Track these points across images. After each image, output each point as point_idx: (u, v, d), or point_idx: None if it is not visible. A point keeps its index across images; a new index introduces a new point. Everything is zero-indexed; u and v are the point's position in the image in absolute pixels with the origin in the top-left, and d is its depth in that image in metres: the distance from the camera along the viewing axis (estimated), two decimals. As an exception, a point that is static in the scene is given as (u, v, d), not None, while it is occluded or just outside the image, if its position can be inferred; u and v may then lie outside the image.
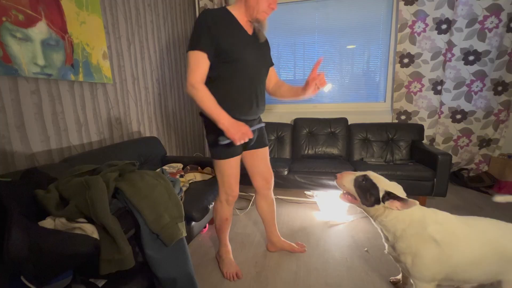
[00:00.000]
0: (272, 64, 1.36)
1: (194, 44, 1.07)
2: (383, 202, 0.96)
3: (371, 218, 1.06)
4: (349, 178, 1.07)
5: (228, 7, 1.17)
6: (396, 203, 0.94)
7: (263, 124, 1.23)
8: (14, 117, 1.19)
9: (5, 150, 1.16)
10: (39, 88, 1.29)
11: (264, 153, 1.42)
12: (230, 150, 1.23)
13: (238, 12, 1.16)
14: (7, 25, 1.12)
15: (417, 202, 0.92)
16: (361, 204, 1.04)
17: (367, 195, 1.00)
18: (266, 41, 1.31)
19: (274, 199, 1.54)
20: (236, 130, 1.06)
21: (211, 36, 1.06)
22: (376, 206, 0.98)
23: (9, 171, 1.16)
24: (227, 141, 1.09)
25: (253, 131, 1.16)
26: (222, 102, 1.15)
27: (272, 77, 1.38)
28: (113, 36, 1.79)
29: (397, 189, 0.99)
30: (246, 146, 1.34)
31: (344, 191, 1.10)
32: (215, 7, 2.75)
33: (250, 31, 1.20)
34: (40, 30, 1.26)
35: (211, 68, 1.13)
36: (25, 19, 1.19)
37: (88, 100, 1.59)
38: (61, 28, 1.37)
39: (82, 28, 1.50)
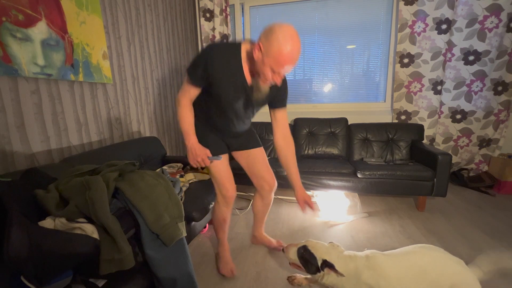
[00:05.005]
0: (273, 106, 1.27)
1: (190, 72, 1.09)
2: (323, 270, 1.07)
3: (316, 281, 1.14)
4: (292, 250, 1.17)
5: (243, 44, 1.08)
6: (331, 270, 1.05)
7: (220, 158, 1.23)
8: (14, 117, 1.19)
9: (5, 150, 1.16)
10: (39, 88, 1.29)
11: (255, 153, 1.42)
12: (210, 150, 1.23)
13: (246, 56, 1.08)
14: (7, 25, 1.12)
15: (344, 275, 1.03)
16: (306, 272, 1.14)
17: (308, 265, 1.11)
18: (277, 88, 1.18)
19: (272, 201, 1.54)
20: (194, 155, 1.15)
21: (205, 74, 1.06)
22: (318, 274, 1.09)
23: (9, 171, 1.16)
24: (213, 159, 1.20)
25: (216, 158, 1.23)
26: (204, 118, 1.26)
27: (280, 122, 1.28)
28: (113, 36, 1.79)
29: (333, 251, 1.10)
30: (230, 148, 1.38)
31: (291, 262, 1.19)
32: (215, 7, 2.75)
33: (250, 79, 1.12)
34: (40, 30, 1.26)
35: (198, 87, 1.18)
36: (25, 19, 1.19)
37: (88, 100, 1.59)
38: (61, 28, 1.37)
39: (82, 28, 1.50)
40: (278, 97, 1.23)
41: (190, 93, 1.14)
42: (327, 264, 1.06)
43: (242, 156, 1.42)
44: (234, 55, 1.07)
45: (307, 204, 1.26)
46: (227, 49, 1.07)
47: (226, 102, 1.13)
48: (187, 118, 1.17)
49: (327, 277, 1.07)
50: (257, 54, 0.97)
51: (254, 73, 1.07)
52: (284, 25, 0.92)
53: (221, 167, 1.29)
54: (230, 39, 2.82)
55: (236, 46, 1.08)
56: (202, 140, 1.23)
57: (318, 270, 1.09)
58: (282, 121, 1.29)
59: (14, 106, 1.19)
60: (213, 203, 1.53)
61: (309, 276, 1.34)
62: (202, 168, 1.91)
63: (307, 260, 1.11)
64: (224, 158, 1.31)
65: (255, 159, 1.42)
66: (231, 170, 1.34)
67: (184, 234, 1.06)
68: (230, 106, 1.15)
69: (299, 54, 0.94)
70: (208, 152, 1.17)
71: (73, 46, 1.45)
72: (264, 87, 1.09)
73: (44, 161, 1.33)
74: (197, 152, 1.14)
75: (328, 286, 1.11)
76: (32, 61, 1.23)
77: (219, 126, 1.26)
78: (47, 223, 0.86)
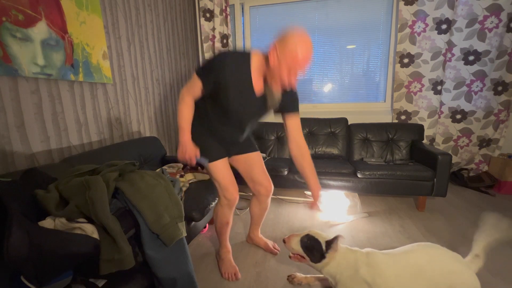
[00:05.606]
0: (278, 112, 1.26)
1: (200, 73, 1.12)
2: (327, 252, 1.08)
3: (318, 271, 1.14)
4: (295, 240, 1.16)
5: (253, 54, 1.10)
6: (334, 247, 1.07)
7: (207, 162, 1.28)
8: (14, 117, 1.19)
9: (5, 150, 1.16)
10: (39, 88, 1.29)
11: (253, 158, 1.43)
12: (211, 154, 1.28)
13: (257, 65, 1.10)
14: (7, 25, 1.12)
15: (337, 249, 1.08)
16: (310, 262, 1.13)
17: (313, 252, 1.11)
18: (285, 95, 1.19)
19: (269, 205, 1.55)
20: (183, 151, 1.19)
21: (214, 79, 1.09)
22: (323, 261, 1.09)
23: (9, 171, 1.16)
24: (200, 161, 1.25)
25: (199, 161, 1.28)
26: (206, 124, 1.26)
27: (292, 130, 1.26)
28: (113, 36, 1.79)
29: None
30: (228, 154, 1.37)
31: (293, 253, 1.18)
32: (215, 7, 2.75)
33: (258, 90, 1.14)
34: (40, 30, 1.26)
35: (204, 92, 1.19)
36: (25, 19, 1.19)
37: (88, 100, 1.59)
38: (61, 28, 1.37)
39: (82, 28, 1.50)
40: (287, 100, 1.21)
41: (195, 92, 1.17)
42: (329, 244, 1.07)
43: (239, 161, 1.44)
44: (244, 64, 1.09)
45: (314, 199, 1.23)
46: (239, 59, 1.09)
47: (232, 110, 1.16)
48: (186, 115, 1.20)
49: (331, 263, 1.07)
50: (272, 56, 1.01)
51: (268, 79, 1.10)
52: (296, 27, 0.99)
53: (224, 171, 1.30)
54: (230, 39, 2.82)
55: (247, 55, 1.10)
56: (200, 141, 1.25)
57: (322, 256, 1.08)
58: (293, 129, 1.26)
59: (14, 106, 1.19)
60: (213, 203, 1.53)
61: (308, 276, 1.34)
62: (202, 168, 1.91)
63: (312, 247, 1.11)
64: (225, 162, 1.32)
65: (252, 164, 1.43)
66: (233, 174, 1.35)
67: (184, 234, 1.06)
68: (236, 114, 1.18)
69: (312, 52, 1.00)
70: (197, 152, 1.22)
71: (73, 46, 1.45)
72: (277, 92, 1.12)
73: (44, 161, 1.33)
74: (187, 149, 1.19)
75: (328, 276, 1.11)
76: (32, 61, 1.23)
77: (221, 133, 1.27)
78: (47, 223, 0.86)
